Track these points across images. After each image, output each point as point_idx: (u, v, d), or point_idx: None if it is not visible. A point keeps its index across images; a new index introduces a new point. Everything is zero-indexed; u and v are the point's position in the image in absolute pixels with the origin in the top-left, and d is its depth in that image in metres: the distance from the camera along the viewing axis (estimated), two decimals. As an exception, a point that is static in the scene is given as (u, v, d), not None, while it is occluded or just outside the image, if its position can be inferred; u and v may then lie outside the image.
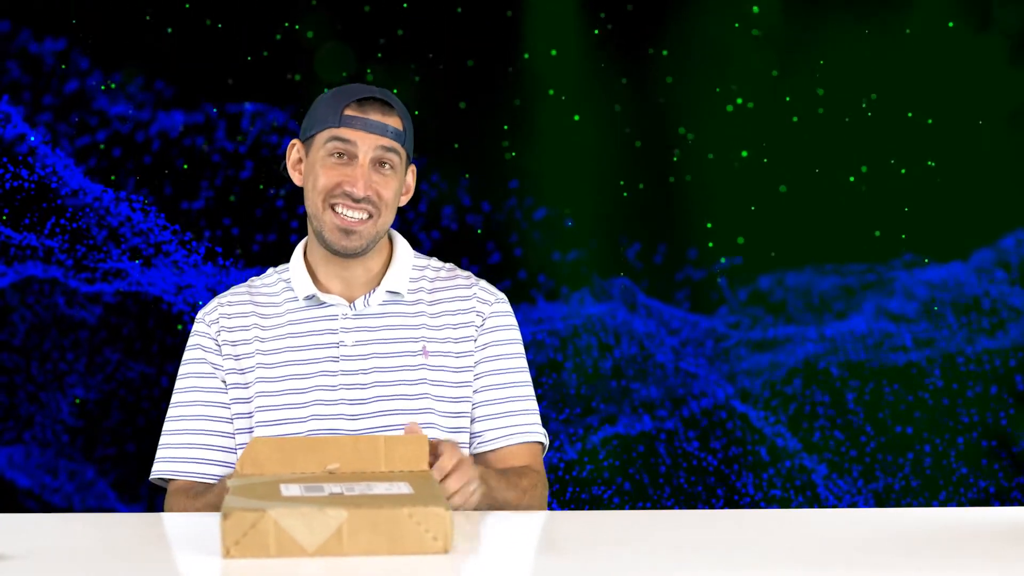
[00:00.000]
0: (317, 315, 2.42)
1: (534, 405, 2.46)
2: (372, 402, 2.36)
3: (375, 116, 2.37)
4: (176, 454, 2.40)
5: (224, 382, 2.41)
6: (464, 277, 2.49)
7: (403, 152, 2.41)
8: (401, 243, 2.50)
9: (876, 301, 3.70)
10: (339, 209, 2.37)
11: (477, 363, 2.42)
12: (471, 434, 2.41)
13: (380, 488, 1.77)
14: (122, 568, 1.72)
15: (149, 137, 3.70)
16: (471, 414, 2.41)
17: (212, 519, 2.08)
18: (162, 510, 2.41)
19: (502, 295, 2.49)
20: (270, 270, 2.53)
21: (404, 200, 2.46)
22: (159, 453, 2.43)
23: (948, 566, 1.67)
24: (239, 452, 2.39)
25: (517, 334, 2.48)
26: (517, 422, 2.42)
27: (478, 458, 2.41)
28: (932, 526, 1.89)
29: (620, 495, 3.70)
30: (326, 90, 2.46)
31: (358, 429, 2.35)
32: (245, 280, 2.53)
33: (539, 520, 1.98)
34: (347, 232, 2.37)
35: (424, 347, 2.40)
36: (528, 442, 2.42)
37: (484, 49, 3.74)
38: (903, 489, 3.67)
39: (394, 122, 2.39)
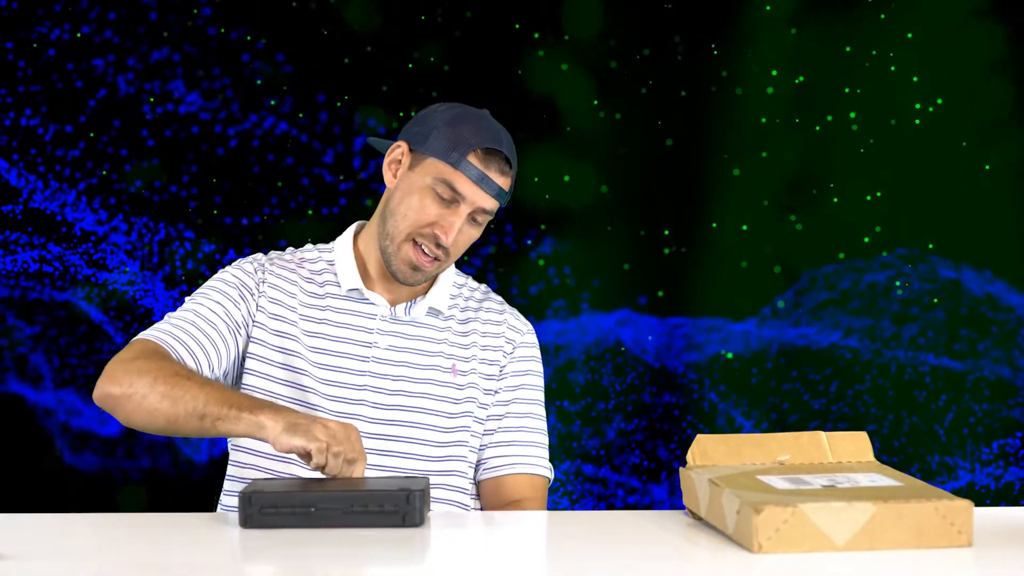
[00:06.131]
0: (357, 309, 2.41)
1: (545, 440, 2.47)
2: (394, 410, 2.36)
3: (494, 175, 2.34)
4: (174, 329, 2.29)
5: (249, 313, 2.36)
6: (497, 303, 2.50)
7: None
8: None
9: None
10: (420, 244, 2.34)
11: (499, 391, 2.43)
12: (478, 460, 2.42)
13: (863, 480, 1.76)
14: (121, 568, 1.72)
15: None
16: (481, 439, 2.42)
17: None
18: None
19: (531, 327, 2.51)
20: (310, 246, 2.48)
21: None
22: (158, 324, 2.32)
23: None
24: (224, 380, 2.33)
25: (540, 367, 2.50)
26: (526, 452, 2.43)
27: (480, 486, 2.42)
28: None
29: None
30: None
31: (376, 434, 2.34)
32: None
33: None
34: (415, 269, 2.35)
35: (454, 365, 2.40)
36: (533, 474, 2.43)
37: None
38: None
39: (506, 182, 2.37)
